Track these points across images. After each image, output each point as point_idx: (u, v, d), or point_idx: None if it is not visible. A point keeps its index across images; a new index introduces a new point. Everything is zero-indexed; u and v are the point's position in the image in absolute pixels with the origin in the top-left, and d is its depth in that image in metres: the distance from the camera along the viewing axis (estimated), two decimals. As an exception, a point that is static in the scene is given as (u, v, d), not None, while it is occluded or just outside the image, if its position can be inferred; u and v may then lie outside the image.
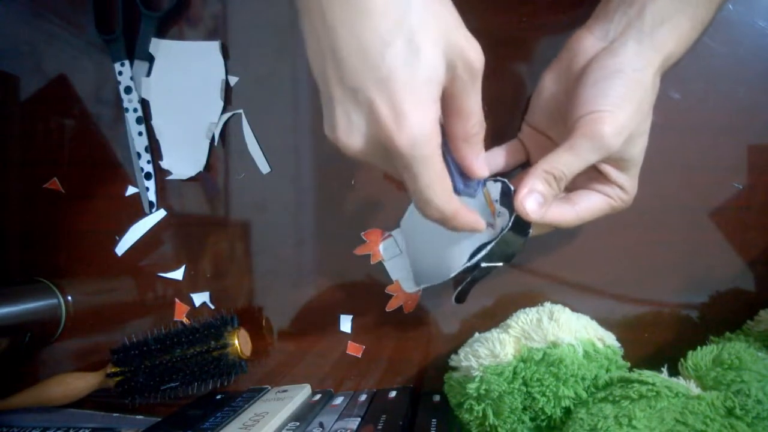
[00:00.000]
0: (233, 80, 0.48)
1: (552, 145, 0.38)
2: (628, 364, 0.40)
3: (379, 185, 0.46)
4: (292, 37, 0.47)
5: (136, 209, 0.50)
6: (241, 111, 0.48)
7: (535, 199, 0.32)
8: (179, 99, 0.49)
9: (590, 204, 0.35)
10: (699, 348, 0.37)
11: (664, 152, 0.42)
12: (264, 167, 0.48)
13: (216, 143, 0.48)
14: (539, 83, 0.38)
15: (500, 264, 0.34)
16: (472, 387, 0.38)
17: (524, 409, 0.37)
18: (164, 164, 0.49)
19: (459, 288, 0.37)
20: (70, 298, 0.51)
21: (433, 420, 0.39)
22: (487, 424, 0.38)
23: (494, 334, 0.40)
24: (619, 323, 0.44)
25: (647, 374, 0.34)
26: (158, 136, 0.49)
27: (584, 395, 0.36)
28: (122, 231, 0.50)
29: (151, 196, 0.49)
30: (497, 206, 0.35)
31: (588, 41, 0.34)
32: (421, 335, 0.47)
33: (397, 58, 0.25)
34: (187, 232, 0.50)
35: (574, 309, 0.42)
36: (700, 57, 0.41)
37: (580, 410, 0.35)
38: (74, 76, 0.51)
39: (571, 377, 0.36)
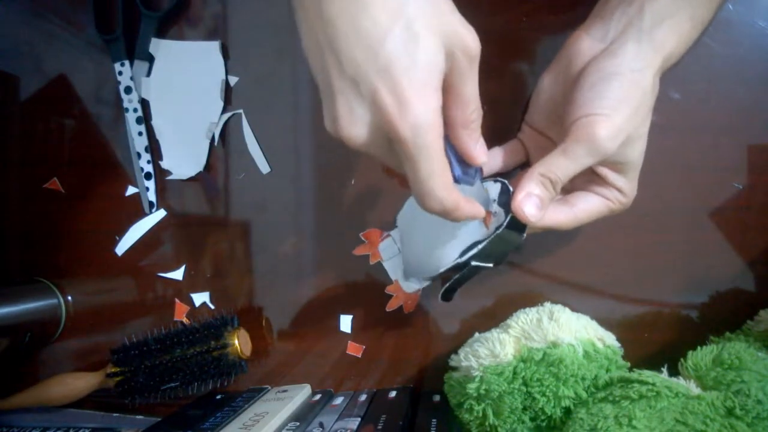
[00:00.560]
0: (233, 80, 0.48)
1: (552, 145, 0.38)
2: (628, 364, 0.40)
3: (379, 185, 0.46)
4: (292, 37, 0.47)
5: (136, 209, 0.50)
6: (241, 111, 0.48)
7: (533, 203, 0.32)
8: (179, 99, 0.49)
9: (588, 206, 0.35)
10: (699, 348, 0.37)
11: (665, 152, 0.42)
12: (264, 167, 0.48)
13: (216, 143, 0.48)
14: (538, 84, 0.38)
15: (490, 265, 0.34)
16: (472, 387, 0.38)
17: (524, 409, 0.37)
18: (164, 164, 0.49)
19: (446, 286, 0.36)
20: (70, 298, 0.51)
21: (433, 420, 0.39)
22: (487, 424, 0.38)
23: (494, 334, 0.40)
24: (619, 323, 0.44)
25: (647, 374, 0.34)
26: (158, 136, 0.49)
27: (584, 395, 0.36)
28: (122, 231, 0.50)
29: (151, 196, 0.49)
30: (494, 206, 0.35)
31: (586, 42, 0.34)
32: (421, 335, 0.47)
33: (397, 47, 0.25)
34: (187, 232, 0.50)
35: (574, 309, 0.42)
36: (700, 57, 0.41)
37: (580, 410, 0.35)
38: (74, 76, 0.51)
39: (571, 377, 0.36)
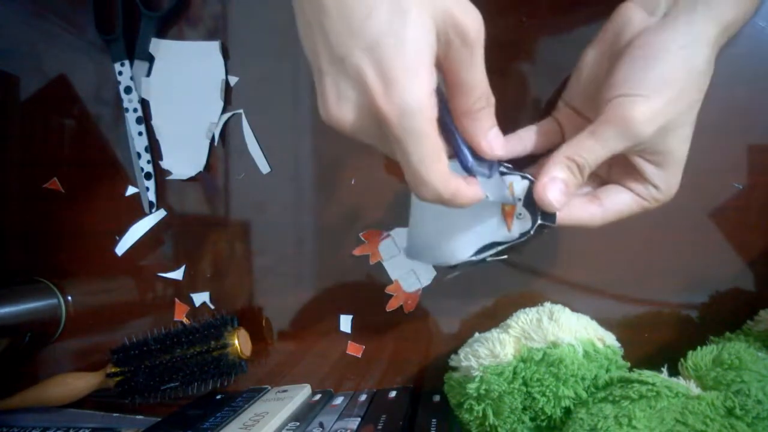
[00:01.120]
0: (233, 80, 0.48)
1: None
2: (628, 364, 0.40)
3: (379, 185, 0.46)
4: (292, 37, 0.46)
5: (136, 209, 0.50)
6: (241, 111, 0.48)
7: (558, 188, 0.29)
8: (179, 99, 0.49)
9: (618, 203, 0.32)
10: (699, 348, 0.37)
11: (664, 152, 0.42)
12: (264, 167, 0.48)
13: (216, 143, 0.48)
14: (580, 58, 0.34)
15: (505, 257, 0.33)
16: (472, 387, 0.38)
17: (524, 409, 0.37)
18: (164, 164, 0.49)
19: (454, 273, 0.35)
20: (70, 298, 0.51)
21: (433, 420, 0.39)
22: (487, 424, 0.37)
23: (494, 334, 0.40)
24: (619, 323, 0.44)
25: (647, 374, 0.34)
26: (158, 136, 0.49)
27: (584, 395, 0.36)
28: (122, 231, 0.50)
29: (151, 196, 0.49)
30: (519, 206, 0.32)
31: (636, 14, 0.30)
32: (421, 335, 0.47)
33: (383, 23, 0.24)
34: (187, 232, 0.50)
35: (574, 309, 0.42)
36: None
37: (580, 410, 0.35)
38: (74, 76, 0.51)
39: (571, 377, 0.36)
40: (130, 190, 0.50)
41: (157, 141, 0.49)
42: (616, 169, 0.32)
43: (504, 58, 0.43)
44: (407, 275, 0.46)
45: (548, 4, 0.43)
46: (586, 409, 0.35)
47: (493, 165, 0.30)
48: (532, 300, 0.44)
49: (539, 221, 0.30)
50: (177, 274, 0.50)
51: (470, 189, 0.28)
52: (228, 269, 0.49)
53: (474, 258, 0.32)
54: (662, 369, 0.36)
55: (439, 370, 0.45)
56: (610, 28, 0.32)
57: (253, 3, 0.47)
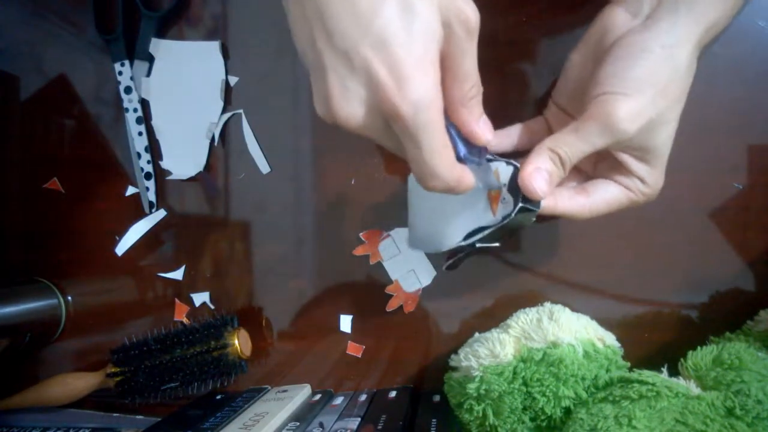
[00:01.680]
0: (233, 80, 0.48)
1: None
2: (628, 364, 0.40)
3: (379, 185, 0.46)
4: (292, 36, 0.47)
5: (136, 209, 0.50)
6: (241, 111, 0.48)
7: (542, 177, 0.30)
8: (179, 99, 0.49)
9: (606, 196, 0.32)
10: (699, 348, 0.37)
11: (664, 152, 0.42)
12: (264, 167, 0.48)
13: (216, 143, 0.48)
14: (567, 60, 0.35)
15: (496, 245, 0.33)
16: (472, 387, 0.38)
17: (524, 409, 0.37)
18: (164, 164, 0.49)
19: (451, 260, 0.35)
20: (70, 298, 0.51)
21: (433, 420, 0.39)
22: (487, 424, 0.37)
23: (494, 334, 0.40)
24: (619, 323, 0.44)
25: (647, 374, 0.34)
26: (158, 136, 0.49)
27: (584, 395, 0.36)
28: (122, 231, 0.50)
29: (151, 196, 0.49)
30: (504, 191, 0.33)
31: (620, 17, 0.31)
32: (421, 335, 0.47)
33: (393, 17, 0.24)
34: (187, 232, 0.50)
35: (574, 309, 0.42)
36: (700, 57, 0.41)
37: (580, 410, 0.35)
38: (74, 76, 0.51)
39: (571, 377, 0.36)
40: (130, 190, 0.50)
41: (157, 141, 0.49)
42: (603, 165, 0.33)
43: (504, 58, 0.43)
44: (407, 275, 0.46)
45: (548, 3, 0.43)
46: (586, 409, 0.35)
47: (482, 153, 0.31)
48: (532, 300, 0.44)
49: (521, 204, 0.31)
50: (177, 274, 0.50)
51: (468, 176, 0.29)
52: (228, 269, 0.49)
53: (463, 243, 0.33)
54: (662, 369, 0.36)
55: (439, 370, 0.45)
56: (595, 30, 0.33)
57: (253, 3, 0.47)
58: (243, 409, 0.43)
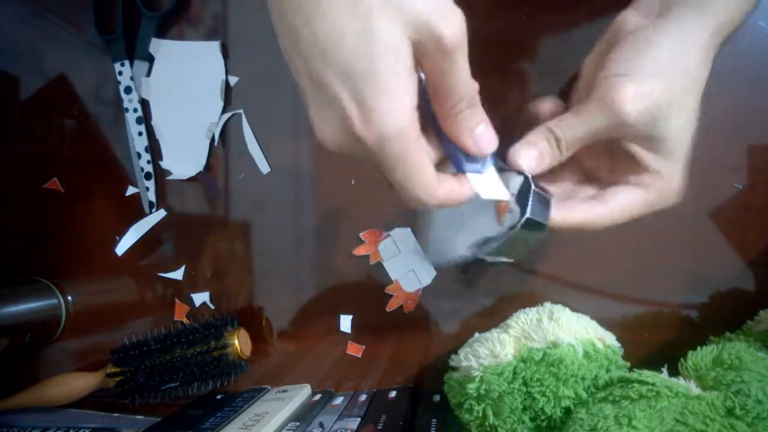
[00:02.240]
0: (233, 80, 0.48)
1: None
2: (628, 364, 0.40)
3: (379, 185, 0.46)
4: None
5: (136, 209, 0.50)
6: (241, 111, 0.48)
7: (531, 153, 0.29)
8: (179, 99, 0.49)
9: (624, 201, 0.31)
10: (699, 348, 0.37)
11: (664, 152, 0.41)
12: (264, 167, 0.48)
13: (216, 143, 0.48)
14: (582, 64, 0.34)
15: (507, 260, 0.33)
16: (472, 387, 0.38)
17: (524, 409, 0.37)
18: (164, 164, 0.49)
19: (465, 263, 0.35)
20: (70, 298, 0.51)
21: (433, 420, 0.39)
22: (487, 424, 0.37)
23: (494, 334, 0.40)
24: (619, 323, 0.44)
25: (647, 374, 0.34)
26: (158, 136, 0.49)
27: (584, 395, 0.36)
28: (122, 231, 0.50)
29: (151, 196, 0.49)
30: (512, 202, 0.31)
31: (631, 18, 0.31)
32: (421, 335, 0.47)
33: (353, 47, 0.23)
34: (187, 232, 0.50)
35: (574, 309, 0.42)
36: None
37: (580, 410, 0.35)
38: (74, 76, 0.51)
39: (571, 377, 0.36)
40: (130, 190, 0.50)
41: (157, 141, 0.49)
42: (618, 167, 0.32)
43: (504, 58, 0.43)
44: (407, 275, 0.46)
45: (548, 3, 0.43)
46: (586, 409, 0.35)
47: (486, 160, 0.30)
48: (532, 300, 0.44)
49: (527, 215, 0.29)
50: (177, 274, 0.50)
51: (462, 189, 0.28)
52: (228, 269, 0.49)
53: (467, 255, 0.32)
54: (662, 369, 0.36)
55: (439, 370, 0.45)
56: (609, 32, 0.33)
57: (253, 3, 0.47)
58: (243, 409, 0.43)
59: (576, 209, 0.31)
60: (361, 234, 0.47)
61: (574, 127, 0.29)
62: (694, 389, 0.34)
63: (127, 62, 0.49)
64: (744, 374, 0.33)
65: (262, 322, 0.49)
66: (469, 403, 0.38)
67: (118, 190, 0.50)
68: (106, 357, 0.48)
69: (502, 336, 0.39)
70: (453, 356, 0.42)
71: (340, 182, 0.47)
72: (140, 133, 0.49)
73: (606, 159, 0.33)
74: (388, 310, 0.47)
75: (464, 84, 0.26)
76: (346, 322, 0.48)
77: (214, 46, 0.47)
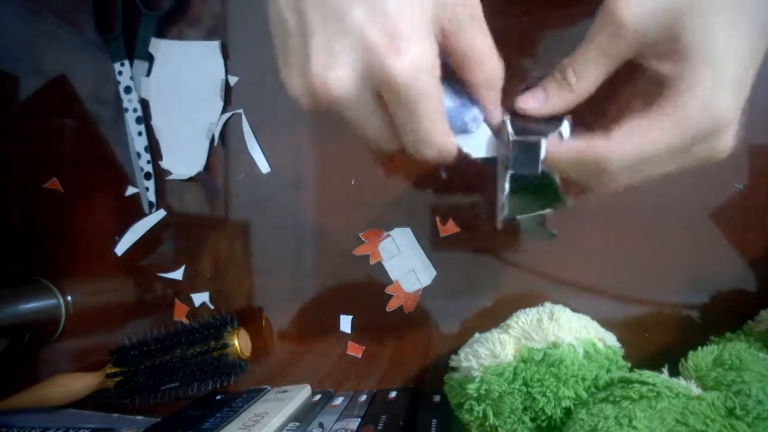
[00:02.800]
0: (233, 80, 0.48)
1: None
2: (629, 365, 0.40)
3: (379, 185, 0.46)
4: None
5: (136, 209, 0.50)
6: (241, 111, 0.48)
7: (530, 93, 0.29)
8: (179, 99, 0.49)
9: (648, 125, 0.26)
10: (699, 348, 0.37)
11: (665, 152, 0.41)
12: (264, 167, 0.48)
13: (216, 143, 0.48)
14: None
15: (541, 230, 0.32)
16: (472, 387, 0.38)
17: (524, 409, 0.37)
18: (164, 164, 0.49)
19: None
20: (70, 298, 0.51)
21: (433, 420, 0.39)
22: (487, 424, 0.37)
23: (494, 334, 0.40)
24: (619, 323, 0.44)
25: (648, 374, 0.34)
26: (158, 136, 0.49)
27: (585, 395, 0.36)
28: (122, 231, 0.50)
29: (151, 196, 0.49)
30: (509, 162, 0.29)
31: None
32: (421, 335, 0.47)
33: None
34: (187, 232, 0.50)
35: (574, 309, 0.42)
36: None
37: (581, 411, 0.35)
38: (74, 76, 0.51)
39: (571, 377, 0.36)
40: (130, 190, 0.50)
41: (156, 141, 0.49)
42: (636, 102, 0.28)
43: (504, 57, 0.43)
44: (407, 275, 0.46)
45: (548, 3, 0.43)
46: (586, 410, 0.34)
47: (475, 122, 0.29)
48: (532, 300, 0.44)
49: (510, 169, 0.28)
50: (177, 274, 0.50)
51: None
52: (228, 269, 0.49)
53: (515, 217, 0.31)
54: (663, 369, 0.36)
55: (439, 370, 0.45)
56: None
57: (253, 3, 0.47)
58: (243, 410, 0.43)
59: (592, 141, 0.26)
60: (361, 234, 0.47)
61: (582, 55, 0.27)
62: (695, 390, 0.34)
63: (126, 62, 0.49)
64: (745, 374, 0.33)
65: (262, 322, 0.49)
66: (469, 404, 0.38)
67: (117, 190, 0.50)
68: (106, 357, 0.48)
69: (502, 336, 0.39)
70: (453, 356, 0.42)
71: (340, 182, 0.47)
72: (140, 133, 0.49)
73: (639, 100, 0.28)
74: (388, 310, 0.47)
75: (491, 47, 0.27)
76: (346, 322, 0.48)
77: (214, 45, 0.47)
